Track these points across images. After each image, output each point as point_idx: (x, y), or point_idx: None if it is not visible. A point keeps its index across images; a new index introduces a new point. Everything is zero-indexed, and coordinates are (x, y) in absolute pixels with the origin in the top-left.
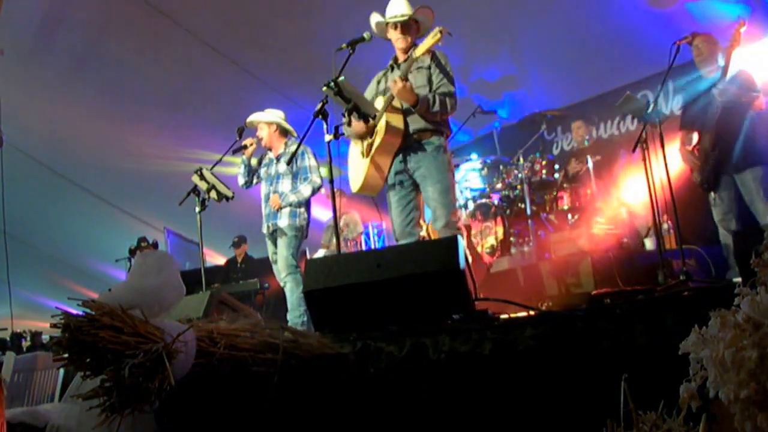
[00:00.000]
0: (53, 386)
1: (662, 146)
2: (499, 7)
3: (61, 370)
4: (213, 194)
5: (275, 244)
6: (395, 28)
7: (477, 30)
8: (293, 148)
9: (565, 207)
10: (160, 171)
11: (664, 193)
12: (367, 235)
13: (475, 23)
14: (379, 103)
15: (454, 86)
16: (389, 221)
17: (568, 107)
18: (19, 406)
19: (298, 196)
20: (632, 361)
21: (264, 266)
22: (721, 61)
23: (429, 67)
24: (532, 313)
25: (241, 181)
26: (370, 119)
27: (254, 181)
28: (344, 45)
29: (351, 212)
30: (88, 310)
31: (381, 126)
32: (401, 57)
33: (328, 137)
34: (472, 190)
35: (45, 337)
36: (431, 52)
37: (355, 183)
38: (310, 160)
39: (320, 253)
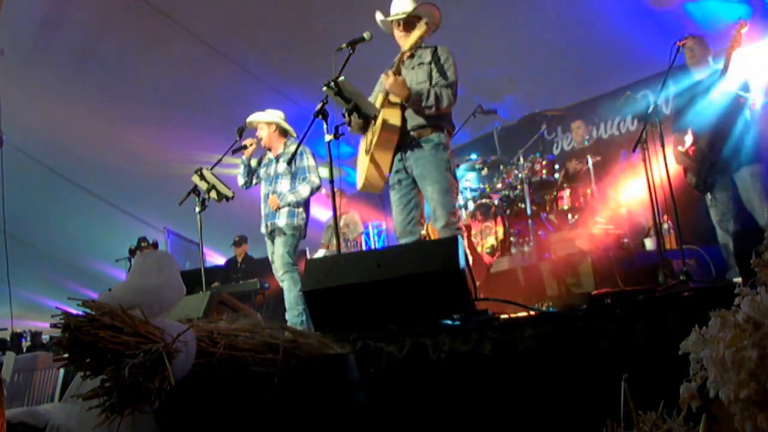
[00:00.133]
0: (53, 386)
1: (662, 146)
2: (499, 6)
3: (61, 370)
4: (213, 194)
5: (274, 244)
6: (398, 25)
7: (477, 30)
8: (293, 148)
9: (565, 207)
10: (160, 171)
11: (664, 192)
12: (368, 235)
13: (475, 23)
14: (380, 100)
15: (457, 79)
16: (391, 220)
17: (568, 107)
18: (19, 406)
19: (296, 196)
20: (632, 361)
21: (264, 266)
22: (713, 63)
23: (430, 63)
24: (532, 313)
25: (240, 181)
26: (371, 119)
27: (254, 181)
28: (344, 45)
29: (351, 212)
30: (88, 310)
31: (378, 122)
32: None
33: (328, 137)
34: (472, 190)
35: (45, 337)
36: (433, 48)
37: (358, 180)
38: (308, 161)
39: (320, 253)
